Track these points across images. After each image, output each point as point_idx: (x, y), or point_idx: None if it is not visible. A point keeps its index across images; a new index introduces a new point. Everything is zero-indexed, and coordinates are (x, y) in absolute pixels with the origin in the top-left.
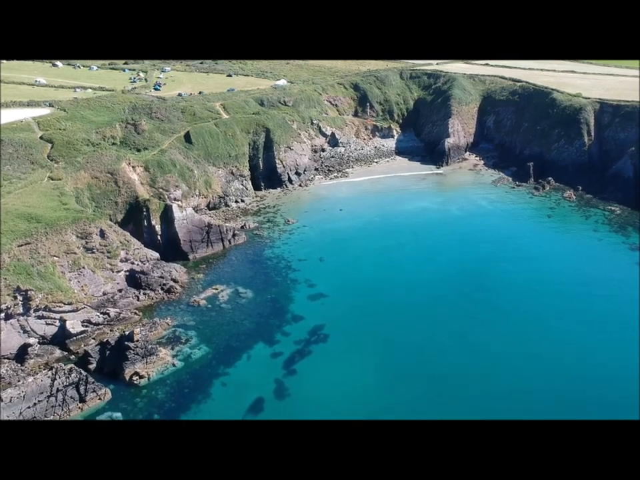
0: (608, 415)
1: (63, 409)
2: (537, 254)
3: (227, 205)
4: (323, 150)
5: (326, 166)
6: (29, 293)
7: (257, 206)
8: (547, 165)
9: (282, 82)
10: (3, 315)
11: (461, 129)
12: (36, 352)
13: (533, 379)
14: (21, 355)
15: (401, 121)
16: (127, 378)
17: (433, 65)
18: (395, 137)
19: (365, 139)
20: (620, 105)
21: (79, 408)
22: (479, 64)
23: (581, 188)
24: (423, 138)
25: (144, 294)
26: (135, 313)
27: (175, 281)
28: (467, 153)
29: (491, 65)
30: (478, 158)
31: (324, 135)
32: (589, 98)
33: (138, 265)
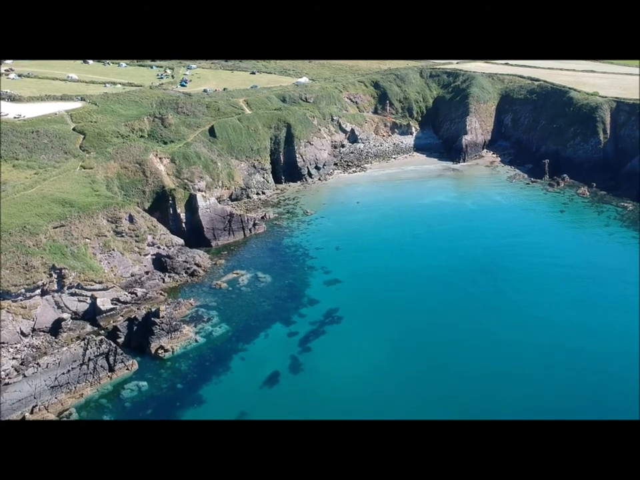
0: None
1: (94, 377)
2: (547, 246)
3: (248, 197)
4: (343, 146)
5: (345, 161)
6: (63, 271)
7: (277, 198)
8: (562, 162)
9: (304, 79)
10: (39, 291)
11: (478, 126)
12: (69, 326)
13: (535, 364)
14: (55, 328)
15: (419, 119)
16: (153, 351)
17: (452, 64)
18: (414, 134)
19: (383, 136)
20: (636, 104)
21: (109, 376)
22: (499, 63)
23: (595, 185)
24: (441, 135)
25: (169, 276)
26: (161, 294)
27: (198, 265)
28: (484, 150)
29: (511, 64)
30: (495, 155)
31: (344, 131)
32: (605, 97)
33: (164, 249)
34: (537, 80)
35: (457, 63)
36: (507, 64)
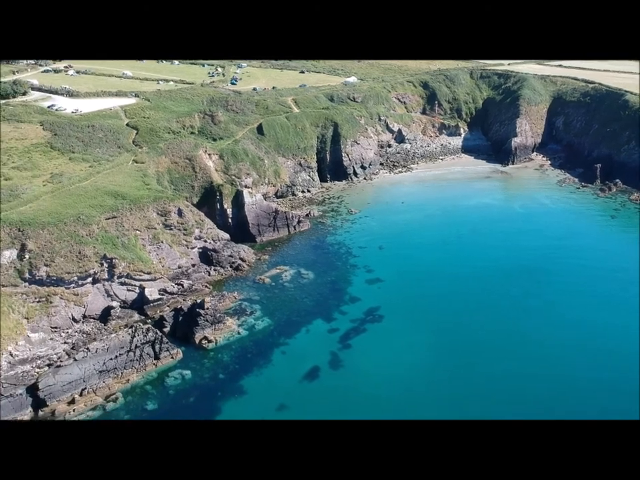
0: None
1: (140, 363)
2: (596, 252)
3: (293, 194)
4: (389, 145)
5: (391, 161)
6: (113, 261)
7: (322, 196)
8: (615, 167)
9: (352, 79)
10: (90, 279)
11: (528, 128)
12: (117, 314)
13: (576, 366)
14: (105, 315)
15: (468, 120)
16: (197, 341)
17: (504, 65)
18: (462, 135)
19: (431, 137)
20: None
21: (154, 364)
22: (552, 64)
23: None
24: (490, 137)
25: (214, 270)
26: (206, 286)
27: (242, 260)
28: (534, 153)
29: (564, 66)
30: (544, 158)
31: (391, 131)
32: None
33: (210, 243)
34: (592, 82)
35: (509, 64)
36: (560, 65)
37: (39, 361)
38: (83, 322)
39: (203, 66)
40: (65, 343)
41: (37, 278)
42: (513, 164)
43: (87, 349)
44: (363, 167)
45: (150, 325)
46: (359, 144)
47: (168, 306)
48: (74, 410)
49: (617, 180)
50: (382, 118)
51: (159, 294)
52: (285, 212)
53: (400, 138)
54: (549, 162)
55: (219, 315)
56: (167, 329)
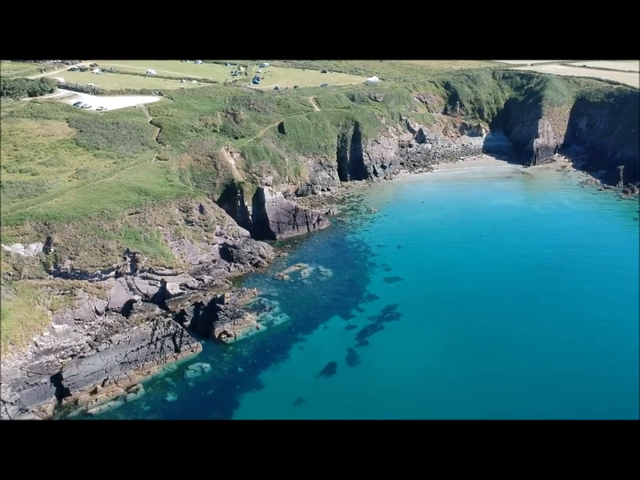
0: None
1: (160, 356)
2: (616, 254)
3: (313, 193)
4: (410, 145)
5: (411, 161)
6: (136, 255)
7: (342, 195)
8: (639, 169)
9: (374, 79)
10: (113, 273)
11: (550, 129)
12: (139, 308)
13: (593, 365)
14: (127, 309)
15: (490, 120)
16: (217, 335)
17: (527, 66)
18: (484, 136)
19: (452, 137)
20: None
21: (174, 357)
22: (576, 65)
23: None
24: (511, 137)
25: (234, 266)
26: (226, 282)
27: (262, 256)
28: (556, 154)
29: (588, 67)
30: (567, 160)
31: (411, 130)
32: None
33: (231, 239)
34: (616, 83)
35: (532, 64)
36: (584, 66)
37: (62, 352)
38: (105, 314)
39: (226, 65)
40: (88, 334)
41: (62, 271)
42: (534, 165)
43: (110, 340)
44: (383, 167)
45: (171, 319)
46: (379, 143)
47: (189, 300)
48: (96, 400)
49: None
50: (403, 117)
51: (180, 288)
52: (304, 210)
53: (421, 138)
54: (571, 163)
55: (238, 310)
56: (187, 323)
